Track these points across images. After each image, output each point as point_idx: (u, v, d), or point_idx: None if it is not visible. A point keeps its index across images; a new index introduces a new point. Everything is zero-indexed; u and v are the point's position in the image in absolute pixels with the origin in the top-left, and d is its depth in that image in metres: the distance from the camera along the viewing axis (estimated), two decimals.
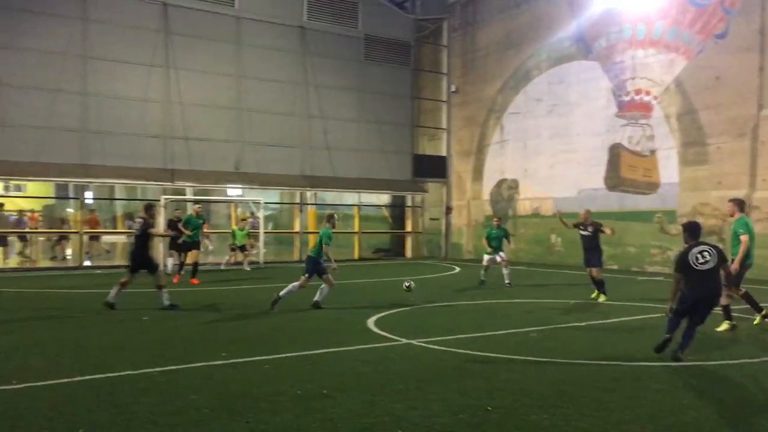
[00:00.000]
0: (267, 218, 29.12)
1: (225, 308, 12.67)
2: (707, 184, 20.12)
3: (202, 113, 24.60)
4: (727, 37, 19.63)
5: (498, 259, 17.09)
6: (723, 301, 9.95)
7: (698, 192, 20.35)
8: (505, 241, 17.56)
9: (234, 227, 22.63)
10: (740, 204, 10.97)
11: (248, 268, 21.78)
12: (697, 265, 8.20)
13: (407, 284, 13.91)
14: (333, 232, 12.88)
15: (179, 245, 18.08)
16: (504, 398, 6.28)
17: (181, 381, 6.90)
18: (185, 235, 17.32)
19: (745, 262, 10.52)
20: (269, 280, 18.29)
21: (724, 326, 10.21)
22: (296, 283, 12.35)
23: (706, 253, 8.23)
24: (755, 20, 18.94)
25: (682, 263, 8.33)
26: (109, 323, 10.74)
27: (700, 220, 20.03)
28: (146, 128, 23.48)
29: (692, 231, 8.59)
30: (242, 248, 21.96)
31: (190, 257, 17.69)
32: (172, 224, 18.77)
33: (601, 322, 11.06)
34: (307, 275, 12.40)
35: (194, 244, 17.75)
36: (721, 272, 8.47)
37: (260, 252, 24.15)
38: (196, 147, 24.34)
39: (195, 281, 17.09)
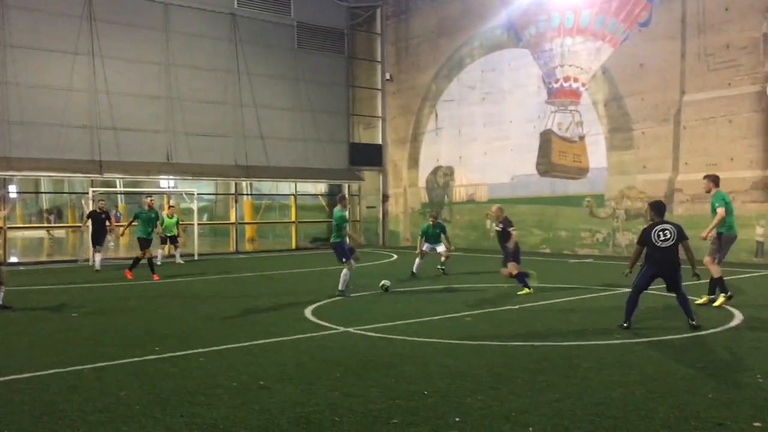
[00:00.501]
0: (201, 209, 28.62)
1: (158, 302, 12.40)
2: (633, 168, 20.82)
3: (130, 102, 23.91)
4: (650, 25, 20.30)
5: (439, 249, 16.80)
6: (715, 274, 10.94)
7: (625, 176, 21.04)
8: (443, 236, 16.99)
9: (164, 214, 21.38)
10: (715, 179, 11.49)
11: (181, 261, 21.29)
12: (657, 242, 8.93)
13: (384, 285, 13.57)
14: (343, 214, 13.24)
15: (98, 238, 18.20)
16: (440, 382, 6.37)
17: (112, 377, 6.73)
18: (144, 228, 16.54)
19: (728, 233, 10.99)
20: (204, 273, 18.02)
21: (721, 299, 10.88)
22: (345, 271, 12.59)
23: (667, 232, 8.93)
24: (677, 8, 19.63)
25: (645, 238, 9.07)
26: (37, 320, 10.38)
27: (627, 203, 20.87)
28: (72, 118, 22.66)
29: (658, 209, 9.40)
30: (173, 239, 21.22)
31: (148, 252, 16.80)
32: (94, 216, 18.23)
33: (534, 304, 11.33)
34: (344, 259, 12.71)
35: (148, 240, 17.01)
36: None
37: (194, 244, 23.71)
38: (125, 137, 23.65)
39: (129, 274, 16.40)
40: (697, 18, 19.17)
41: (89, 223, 18.57)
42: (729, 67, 18.53)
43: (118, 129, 23.52)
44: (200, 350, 7.93)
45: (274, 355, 7.72)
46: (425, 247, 16.87)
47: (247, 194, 28.77)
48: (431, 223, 17.14)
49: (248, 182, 27.64)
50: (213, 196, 32.32)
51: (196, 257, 23.00)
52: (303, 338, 8.66)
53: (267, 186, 30.36)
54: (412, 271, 16.36)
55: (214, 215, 33.17)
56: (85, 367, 7.16)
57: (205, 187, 28.90)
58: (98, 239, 18.33)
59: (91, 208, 19.86)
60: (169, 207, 22.12)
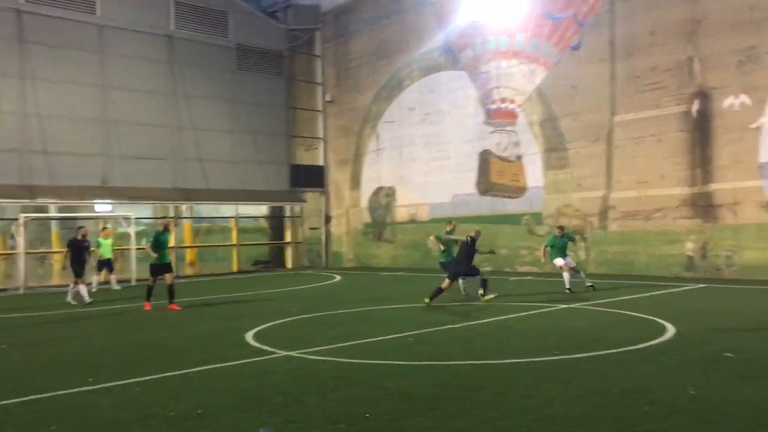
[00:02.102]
0: (139, 234, 27.93)
1: (93, 331, 12.01)
2: (569, 187, 21.37)
3: (63, 125, 23.25)
4: (581, 48, 20.99)
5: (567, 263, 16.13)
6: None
7: (561, 194, 21.57)
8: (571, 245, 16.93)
9: (99, 237, 20.70)
10: None
11: (117, 287, 20.65)
12: None
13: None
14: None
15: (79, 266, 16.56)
16: (382, 404, 6.35)
17: (42, 411, 6.47)
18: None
19: None
20: (141, 299, 17.52)
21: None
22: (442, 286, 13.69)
23: None
24: (606, 33, 20.36)
25: None
26: None
27: (564, 221, 21.35)
28: (0, 142, 21.87)
29: None
30: (109, 264, 20.53)
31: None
32: (75, 245, 16.69)
33: (475, 322, 11.44)
34: (450, 279, 13.84)
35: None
36: None
37: (132, 269, 23.07)
38: (58, 161, 22.95)
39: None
40: (625, 42, 19.93)
41: (68, 252, 16.69)
42: (656, 88, 19.29)
43: (51, 153, 22.82)
44: (136, 379, 7.69)
45: (213, 382, 7.55)
46: (558, 261, 16.02)
47: (187, 218, 28.25)
48: (558, 234, 16.33)
49: (188, 205, 27.15)
50: (151, 220, 31.59)
51: (133, 283, 22.37)
52: (244, 364, 8.51)
53: (207, 209, 29.88)
54: (568, 288, 15.43)
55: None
56: (12, 401, 6.85)
57: (142, 211, 28.22)
58: (79, 269, 16.52)
59: (23, 235, 18.86)
60: (103, 229, 21.35)
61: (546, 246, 16.35)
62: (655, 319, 11.06)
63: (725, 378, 6.94)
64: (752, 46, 17.46)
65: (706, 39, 18.33)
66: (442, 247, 15.70)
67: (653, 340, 9.18)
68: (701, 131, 18.50)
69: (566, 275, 15.64)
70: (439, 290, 13.75)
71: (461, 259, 14.29)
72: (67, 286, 17.03)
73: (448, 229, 16.63)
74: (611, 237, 20.43)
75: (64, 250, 17.02)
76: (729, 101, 17.92)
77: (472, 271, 14.25)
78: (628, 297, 14.36)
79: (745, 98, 17.65)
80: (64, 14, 23.42)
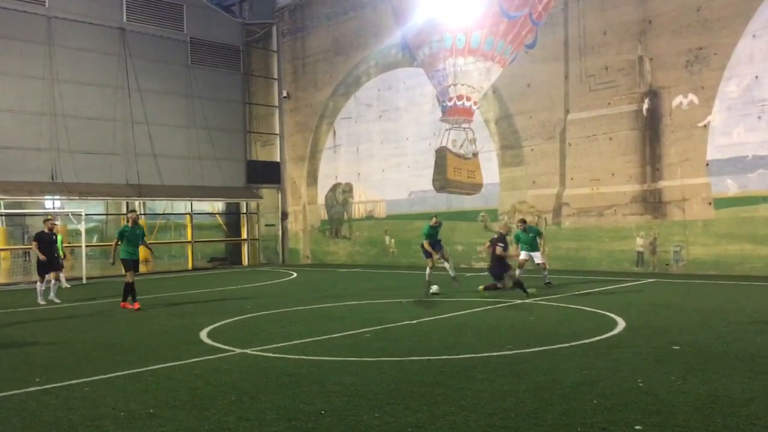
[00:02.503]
0: (90, 231, 27.35)
1: (41, 330, 11.70)
2: (524, 184, 21.66)
3: (9, 119, 22.62)
4: (536, 47, 21.27)
5: (537, 260, 16.21)
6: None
7: (516, 191, 21.85)
8: (538, 241, 16.61)
9: None
10: None
11: (67, 285, 20.18)
12: None
13: (435, 289, 14.63)
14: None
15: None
16: (337, 401, 6.34)
17: None
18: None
19: None
20: (93, 298, 17.18)
21: None
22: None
23: None
24: (560, 32, 20.67)
25: None
26: None
27: (519, 217, 21.60)
28: None
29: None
30: (57, 261, 19.90)
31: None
32: (43, 237, 15.89)
33: (430, 318, 11.51)
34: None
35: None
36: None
37: (83, 267, 22.57)
38: (5, 156, 22.31)
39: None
40: (579, 41, 20.27)
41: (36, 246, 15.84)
42: (608, 87, 19.68)
43: None
44: (86, 379, 7.53)
45: (166, 381, 7.44)
46: (522, 255, 16.15)
47: (140, 214, 27.75)
48: (521, 228, 16.33)
49: (141, 201, 26.67)
50: (103, 217, 30.95)
51: (84, 281, 21.90)
52: (197, 362, 8.40)
53: (161, 205, 29.41)
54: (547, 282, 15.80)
55: (105, 237, 31.73)
56: None
57: (93, 207, 27.64)
58: (48, 265, 15.76)
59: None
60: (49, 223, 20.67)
61: (515, 242, 16.44)
62: (606, 313, 11.29)
63: (673, 370, 7.12)
64: (700, 46, 17.95)
65: (657, 39, 18.76)
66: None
67: (604, 334, 9.37)
68: (651, 129, 18.95)
69: (517, 273, 15.75)
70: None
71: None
72: (11, 284, 16.56)
73: (433, 223, 16.15)
74: (564, 233, 20.78)
75: (33, 243, 16.09)
76: (678, 100, 18.39)
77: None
78: (581, 292, 14.63)
79: (693, 97, 18.14)
80: (12, 5, 22.77)
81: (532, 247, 16.21)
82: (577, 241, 20.45)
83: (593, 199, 20.07)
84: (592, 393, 6.32)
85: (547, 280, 15.99)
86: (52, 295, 16.07)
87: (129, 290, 14.14)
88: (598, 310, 11.66)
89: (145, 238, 14.70)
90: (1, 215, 23.49)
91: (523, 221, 16.72)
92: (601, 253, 19.92)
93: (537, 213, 21.32)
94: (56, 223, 16.76)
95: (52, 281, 16.18)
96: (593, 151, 20.05)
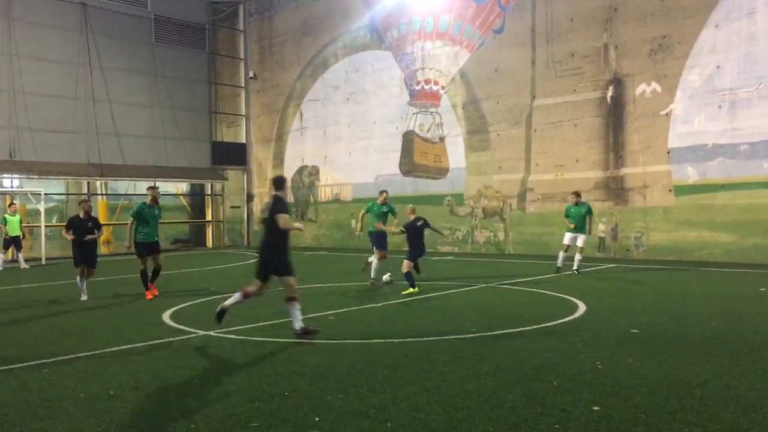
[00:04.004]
0: (50, 211, 26.79)
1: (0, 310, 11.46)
2: (490, 169, 21.80)
3: None
4: (503, 32, 21.33)
5: (579, 242, 15.12)
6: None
7: (482, 176, 21.98)
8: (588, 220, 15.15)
9: (6, 214, 19.86)
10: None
11: (26, 266, 19.80)
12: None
13: (387, 278, 13.43)
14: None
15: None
16: (301, 382, 6.34)
17: None
18: None
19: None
20: (52, 278, 16.88)
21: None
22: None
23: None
24: (527, 18, 20.76)
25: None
26: None
27: (484, 202, 21.76)
28: None
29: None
30: (17, 241, 19.64)
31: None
32: (77, 223, 13.03)
33: (395, 302, 11.57)
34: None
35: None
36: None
37: (42, 247, 22.13)
38: None
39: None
40: (546, 27, 20.38)
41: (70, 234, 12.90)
42: (574, 74, 19.85)
43: None
44: (44, 361, 7.41)
45: (127, 362, 7.35)
46: (566, 238, 15.21)
47: (102, 194, 27.27)
48: (575, 201, 15.05)
49: (102, 182, 26.20)
50: (63, 197, 30.33)
51: (43, 261, 21.49)
52: (159, 344, 8.32)
53: (124, 186, 28.93)
54: (557, 266, 15.19)
55: (64, 217, 31.10)
56: None
57: (54, 187, 27.05)
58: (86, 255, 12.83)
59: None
60: (10, 205, 20.40)
61: (565, 216, 15.31)
62: (567, 297, 11.47)
63: (631, 353, 7.28)
64: (664, 35, 18.19)
65: (622, 27, 18.96)
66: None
67: (565, 318, 9.53)
68: (615, 117, 19.20)
69: (561, 253, 15.12)
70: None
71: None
72: None
73: (381, 201, 14.37)
74: (529, 218, 21.01)
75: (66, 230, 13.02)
76: (641, 88, 18.65)
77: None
78: (544, 276, 14.83)
79: (656, 86, 18.41)
80: None
81: (580, 226, 14.98)
82: (541, 226, 20.69)
83: (557, 184, 20.30)
84: (552, 375, 6.43)
85: (576, 267, 15.14)
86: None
87: (145, 278, 12.59)
88: (560, 295, 11.84)
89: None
90: None
91: (577, 194, 15.40)
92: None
93: (502, 198, 21.51)
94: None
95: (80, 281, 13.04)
96: (558, 137, 20.25)
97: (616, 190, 19.27)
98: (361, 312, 10.62)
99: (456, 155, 22.75)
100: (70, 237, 12.48)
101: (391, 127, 24.42)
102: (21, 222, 19.86)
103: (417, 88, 23.64)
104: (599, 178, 19.53)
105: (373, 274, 13.75)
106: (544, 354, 7.33)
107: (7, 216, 19.51)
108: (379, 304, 11.22)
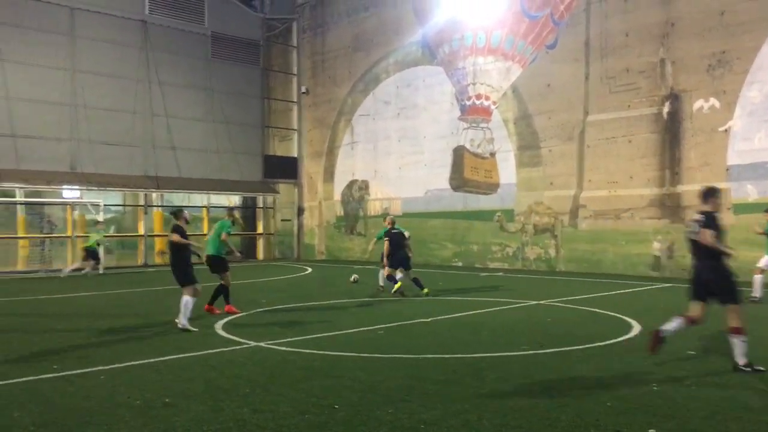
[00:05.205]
0: (108, 221, 27.55)
1: (59, 318, 11.82)
2: (541, 185, 21.55)
3: (31, 109, 22.84)
4: (556, 47, 21.14)
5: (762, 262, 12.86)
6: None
7: (533, 192, 21.75)
8: None
9: (93, 232, 21.65)
10: None
11: (94, 273, 20.55)
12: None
13: (354, 278, 15.25)
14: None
15: None
16: (350, 396, 6.36)
17: (5, 397, 6.36)
18: None
19: None
20: (110, 288, 17.34)
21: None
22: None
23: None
24: (581, 33, 20.54)
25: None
26: None
27: (535, 218, 21.53)
28: None
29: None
30: (93, 253, 20.74)
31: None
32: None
33: (445, 317, 11.50)
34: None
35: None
36: None
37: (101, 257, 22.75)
38: (25, 145, 22.56)
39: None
40: (600, 42, 20.13)
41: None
42: (629, 89, 19.52)
43: (18, 136, 22.40)
44: (101, 368, 7.61)
45: (181, 371, 7.50)
46: (763, 260, 12.79)
47: (158, 206, 27.94)
48: None
49: (158, 193, 26.86)
50: (120, 208, 31.17)
51: (101, 271, 22.10)
52: (212, 354, 8.45)
53: (178, 198, 29.57)
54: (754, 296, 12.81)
55: (122, 227, 31.95)
56: None
57: (112, 198, 27.85)
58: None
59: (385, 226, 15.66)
60: (97, 223, 22.30)
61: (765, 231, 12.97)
62: (621, 316, 11.23)
63: (688, 375, 7.07)
64: (723, 50, 17.75)
65: (679, 42, 18.59)
66: None
67: (619, 337, 9.32)
68: (671, 133, 18.78)
69: (758, 277, 12.97)
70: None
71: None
72: (36, 271, 16.75)
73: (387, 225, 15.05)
74: (581, 235, 20.66)
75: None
76: (699, 104, 18.21)
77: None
78: (596, 294, 14.56)
79: (714, 101, 17.94)
80: None
81: None
82: (593, 243, 20.33)
83: (611, 201, 19.94)
84: (606, 395, 6.30)
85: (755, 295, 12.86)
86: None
87: (226, 292, 12.35)
88: (613, 313, 11.60)
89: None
90: (21, 204, 23.65)
91: None
92: (618, 256, 19.79)
93: (553, 214, 21.22)
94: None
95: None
96: (612, 153, 19.91)
97: (671, 207, 18.81)
98: (411, 326, 10.59)
99: (507, 171, 22.57)
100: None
101: (442, 142, 24.40)
102: (102, 236, 21.35)
103: (468, 103, 23.59)
104: (654, 196, 19.10)
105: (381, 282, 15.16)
106: (597, 373, 7.19)
107: (98, 232, 21.35)
108: (429, 319, 11.18)
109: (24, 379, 7.09)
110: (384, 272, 14.76)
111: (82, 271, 20.67)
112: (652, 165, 19.14)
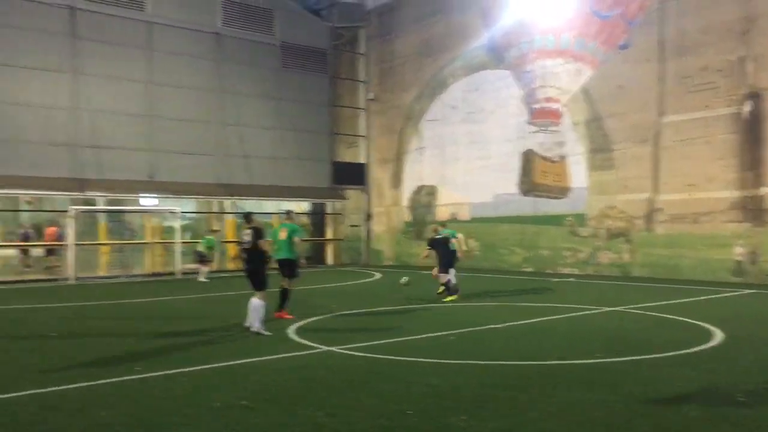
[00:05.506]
0: (183, 228, 28.41)
1: (140, 322, 12.26)
2: (614, 188, 21.03)
3: (112, 120, 23.81)
4: (629, 47, 20.62)
5: None
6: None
7: (606, 195, 21.24)
8: None
9: (210, 237, 22.58)
10: None
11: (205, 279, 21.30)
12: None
13: (404, 280, 15.54)
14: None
15: None
16: (422, 401, 6.35)
17: (92, 397, 6.64)
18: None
19: None
20: (185, 293, 17.88)
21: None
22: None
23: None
24: (654, 32, 19.97)
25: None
26: (12, 341, 10.23)
27: (608, 222, 21.02)
28: (52, 136, 22.52)
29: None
30: (203, 258, 21.65)
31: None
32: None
33: (516, 323, 11.36)
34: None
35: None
36: None
37: (177, 263, 23.52)
38: (107, 155, 23.53)
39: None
40: (676, 41, 19.52)
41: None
42: (706, 89, 18.85)
43: (100, 147, 23.41)
44: (182, 369, 7.85)
45: (256, 375, 7.66)
46: None
47: (230, 213, 28.62)
48: None
49: (231, 200, 27.55)
50: (195, 215, 32.11)
51: (179, 276, 22.83)
52: (286, 357, 8.61)
53: (250, 204, 30.22)
54: None
55: (196, 234, 32.88)
56: (65, 387, 7.06)
57: (187, 205, 28.72)
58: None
59: (73, 227, 19.44)
60: (213, 231, 23.61)
61: None
62: (702, 324, 10.83)
63: None
64: None
65: (760, 38, 17.84)
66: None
67: (700, 346, 8.99)
68: (752, 133, 18.02)
69: None
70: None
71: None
72: (116, 276, 17.41)
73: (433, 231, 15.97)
74: (657, 240, 20.05)
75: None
76: None
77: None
78: (674, 301, 14.09)
79: None
80: (115, 11, 23.97)
81: None
82: (670, 248, 19.69)
83: (688, 205, 19.27)
84: (688, 406, 6.09)
85: None
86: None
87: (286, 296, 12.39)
88: (693, 320, 11.20)
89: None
90: (103, 212, 24.66)
91: None
92: (696, 261, 19.10)
93: (627, 218, 20.67)
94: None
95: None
96: (689, 155, 19.25)
97: (753, 210, 18.03)
98: (482, 333, 10.51)
99: (577, 174, 22.13)
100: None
101: (510, 146, 24.14)
102: (213, 243, 22.27)
103: (537, 106, 23.27)
104: (735, 198, 18.36)
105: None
106: (677, 383, 6.95)
107: (210, 238, 22.26)
108: (500, 325, 11.06)
109: (110, 380, 7.39)
110: (433, 272, 15.65)
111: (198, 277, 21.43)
112: (732, 167, 18.41)
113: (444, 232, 15.60)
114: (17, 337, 10.58)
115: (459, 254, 15.52)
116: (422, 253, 16.21)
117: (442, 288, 15.23)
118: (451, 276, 15.08)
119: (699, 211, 19.09)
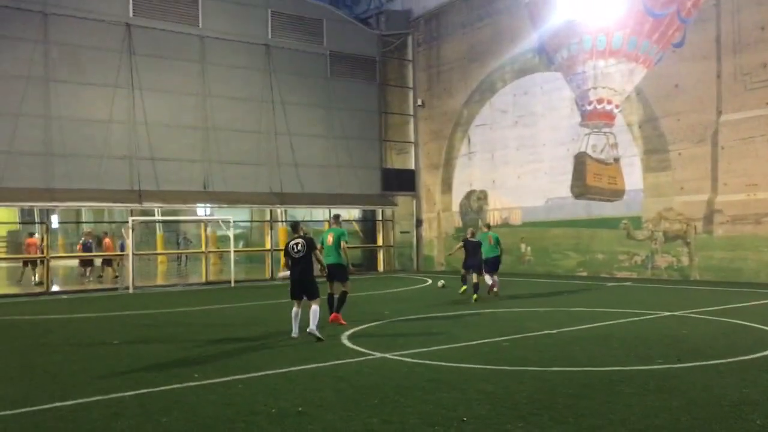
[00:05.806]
0: (237, 237, 28.93)
1: (196, 329, 12.52)
2: (670, 190, 20.52)
3: (168, 133, 24.41)
4: (684, 45, 20.13)
5: None
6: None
7: (662, 198, 20.75)
8: None
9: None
10: None
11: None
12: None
13: (441, 284, 16.76)
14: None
15: None
16: (479, 408, 6.31)
17: (153, 404, 6.81)
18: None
19: None
20: (241, 300, 18.15)
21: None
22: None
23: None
24: (711, 29, 19.45)
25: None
26: (78, 348, 10.56)
27: (665, 225, 20.53)
28: (111, 150, 23.21)
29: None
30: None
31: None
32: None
33: (572, 329, 11.18)
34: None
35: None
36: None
37: (231, 271, 23.94)
38: (163, 167, 24.11)
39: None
40: (732, 38, 18.97)
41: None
42: (766, 86, 18.25)
43: (157, 159, 24.01)
44: (239, 376, 7.98)
45: (311, 381, 7.73)
46: None
47: (282, 221, 29.01)
48: None
49: (283, 209, 27.92)
50: (248, 224, 32.65)
51: (232, 284, 23.21)
52: (340, 364, 8.66)
53: (301, 213, 30.59)
54: None
55: (250, 242, 33.47)
56: (127, 393, 7.25)
57: (240, 214, 29.23)
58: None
59: (131, 238, 20.26)
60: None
61: None
62: (765, 328, 10.46)
63: None
64: None
65: None
66: None
67: (764, 351, 8.68)
68: None
69: None
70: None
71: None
72: (167, 286, 17.82)
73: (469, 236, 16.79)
74: (717, 242, 19.47)
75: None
76: None
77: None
78: (736, 305, 13.64)
79: None
80: (170, 26, 24.60)
81: None
82: (732, 250, 19.09)
83: (750, 205, 18.66)
84: (755, 413, 5.89)
85: None
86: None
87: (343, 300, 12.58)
88: (758, 325, 10.83)
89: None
90: (160, 222, 25.30)
91: None
92: (759, 263, 18.47)
93: (685, 221, 20.14)
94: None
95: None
96: (750, 154, 18.65)
97: None
98: (536, 338, 10.37)
99: (632, 176, 21.67)
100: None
101: (562, 149, 23.81)
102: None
103: (589, 108, 22.89)
104: None
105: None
106: (743, 390, 6.73)
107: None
108: (555, 331, 10.90)
109: (169, 387, 7.56)
110: (463, 273, 16.51)
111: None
112: None
113: (482, 235, 16.74)
114: (80, 345, 10.92)
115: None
116: (454, 247, 17.45)
117: (475, 295, 15.75)
118: (488, 279, 16.32)
119: (761, 212, 18.47)
